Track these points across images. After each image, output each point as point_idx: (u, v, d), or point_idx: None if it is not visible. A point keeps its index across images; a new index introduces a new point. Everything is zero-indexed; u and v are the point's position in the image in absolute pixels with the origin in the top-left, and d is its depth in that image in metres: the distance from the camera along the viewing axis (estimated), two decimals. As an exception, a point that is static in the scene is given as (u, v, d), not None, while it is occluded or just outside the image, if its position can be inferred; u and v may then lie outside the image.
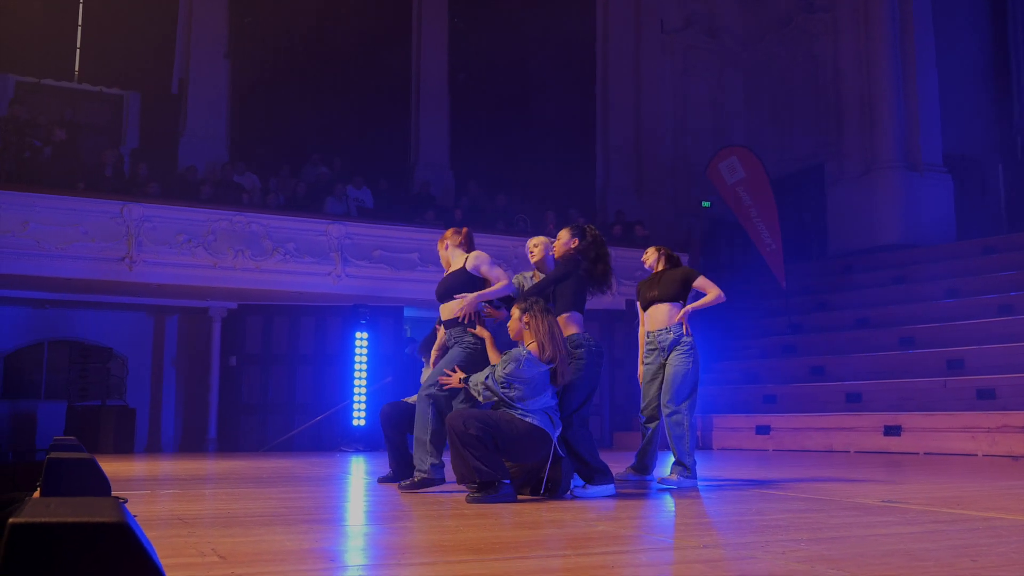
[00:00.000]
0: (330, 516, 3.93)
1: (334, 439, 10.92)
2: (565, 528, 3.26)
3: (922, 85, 14.42)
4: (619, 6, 16.38)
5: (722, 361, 12.15)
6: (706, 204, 16.30)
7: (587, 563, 2.48)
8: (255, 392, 11.42)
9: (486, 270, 4.78)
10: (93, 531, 1.38)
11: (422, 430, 4.60)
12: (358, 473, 6.92)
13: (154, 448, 11.73)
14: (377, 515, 3.87)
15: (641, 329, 5.33)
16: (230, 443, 11.23)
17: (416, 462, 4.64)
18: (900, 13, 14.52)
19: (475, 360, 4.57)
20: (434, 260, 11.66)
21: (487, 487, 3.98)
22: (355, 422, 10.89)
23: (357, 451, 10.41)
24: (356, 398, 10.92)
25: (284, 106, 13.67)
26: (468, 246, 5.04)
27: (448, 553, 2.65)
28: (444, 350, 4.79)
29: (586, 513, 3.66)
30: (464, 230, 5.15)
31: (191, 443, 11.64)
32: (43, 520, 1.38)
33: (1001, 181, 15.80)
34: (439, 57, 15.16)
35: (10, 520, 1.38)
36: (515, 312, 4.29)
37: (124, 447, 10.34)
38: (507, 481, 4.03)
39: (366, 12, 14.51)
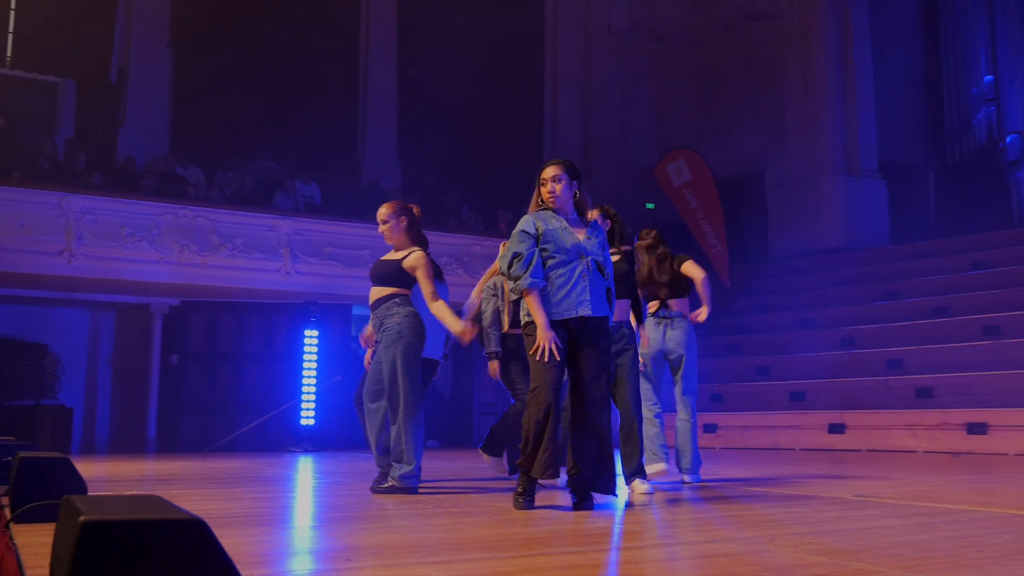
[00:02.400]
0: (281, 516, 3.85)
1: (281, 439, 10.72)
2: (561, 526, 3.26)
3: (860, 93, 14.83)
4: (568, 7, 16.47)
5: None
6: (650, 206, 16.51)
7: (605, 559, 2.48)
8: (198, 391, 11.15)
9: (420, 276, 4.55)
10: (172, 528, 1.33)
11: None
12: (307, 473, 6.81)
13: (88, 449, 11.35)
14: (337, 517, 3.81)
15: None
16: (171, 444, 10.94)
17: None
18: (840, 23, 14.91)
19: (412, 345, 4.44)
20: (384, 256, 11.62)
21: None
22: (304, 421, 10.71)
23: (306, 451, 10.25)
24: (305, 397, 10.74)
25: (228, 98, 13.36)
26: (415, 234, 4.76)
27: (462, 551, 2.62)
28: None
29: (568, 512, 3.66)
30: (416, 210, 4.83)
31: (129, 444, 11.29)
32: (119, 517, 1.32)
33: (932, 188, 16.37)
34: (388, 51, 15.03)
35: (81, 518, 1.32)
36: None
37: (61, 447, 9.96)
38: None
39: (314, 3, 14.30)
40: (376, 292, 4.63)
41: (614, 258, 4.59)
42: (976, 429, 8.28)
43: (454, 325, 4.38)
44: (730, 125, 16.21)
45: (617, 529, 3.19)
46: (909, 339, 10.61)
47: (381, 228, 4.71)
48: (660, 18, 17.12)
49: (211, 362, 11.21)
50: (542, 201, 3.96)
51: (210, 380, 11.16)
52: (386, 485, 4.51)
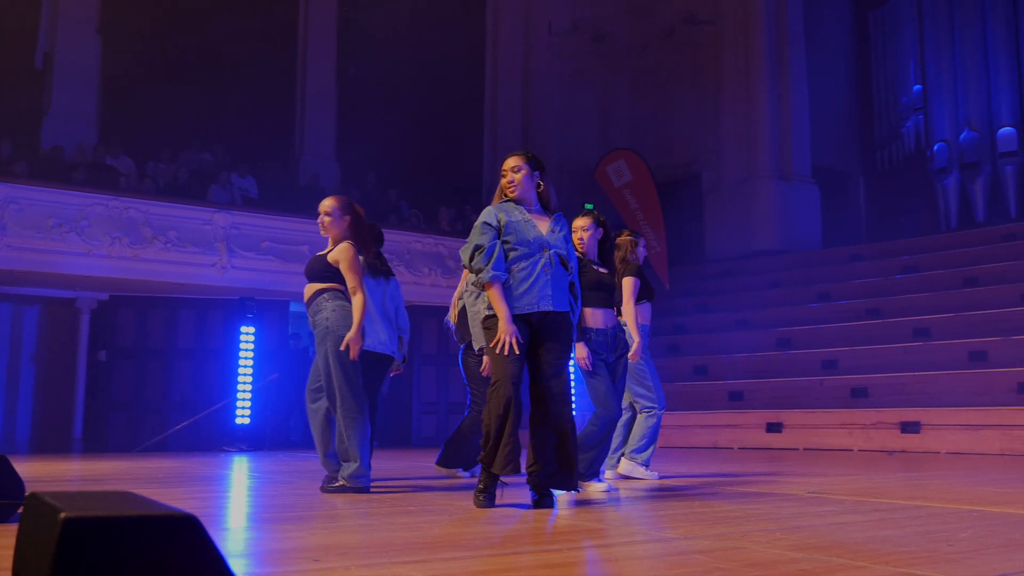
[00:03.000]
0: (232, 517, 3.72)
1: (215, 438, 10.43)
2: (528, 524, 3.20)
3: (794, 99, 15.13)
4: (509, 5, 16.43)
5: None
6: (589, 207, 16.53)
7: (584, 556, 2.43)
8: (127, 389, 10.78)
9: (343, 268, 4.43)
10: (162, 525, 1.22)
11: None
12: (247, 473, 6.62)
13: (8, 448, 10.85)
14: (278, 517, 3.69)
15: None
16: (98, 443, 10.55)
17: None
18: (776, 31, 15.20)
19: (342, 339, 4.30)
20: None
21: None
22: (239, 420, 10.43)
23: (241, 451, 9.99)
24: (240, 395, 10.46)
25: (161, 87, 12.96)
26: (355, 232, 4.59)
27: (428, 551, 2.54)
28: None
29: (530, 510, 3.61)
30: (360, 210, 4.68)
31: (53, 443, 10.84)
32: (104, 514, 1.21)
33: (862, 193, 16.82)
34: (327, 45, 14.78)
35: (62, 515, 1.20)
36: None
37: (-19, 447, 9.54)
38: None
39: (251, -6, 14.00)
40: (308, 288, 4.56)
41: (603, 270, 4.62)
42: (910, 428, 8.49)
43: (354, 327, 4.28)
44: (668, 128, 16.38)
45: (586, 526, 3.14)
46: (843, 340, 10.85)
47: (322, 218, 4.58)
48: (601, 19, 17.21)
49: (141, 359, 10.84)
50: (505, 193, 3.90)
51: (140, 378, 10.80)
52: (336, 485, 4.40)
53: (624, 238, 5.36)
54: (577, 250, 4.45)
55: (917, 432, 8.45)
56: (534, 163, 3.92)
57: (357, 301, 4.37)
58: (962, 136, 14.18)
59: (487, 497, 3.68)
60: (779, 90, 15.10)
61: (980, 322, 9.80)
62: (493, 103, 16.14)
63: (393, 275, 5.56)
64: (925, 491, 4.48)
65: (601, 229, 4.64)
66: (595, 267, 4.58)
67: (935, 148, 14.55)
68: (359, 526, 3.17)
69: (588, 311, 4.53)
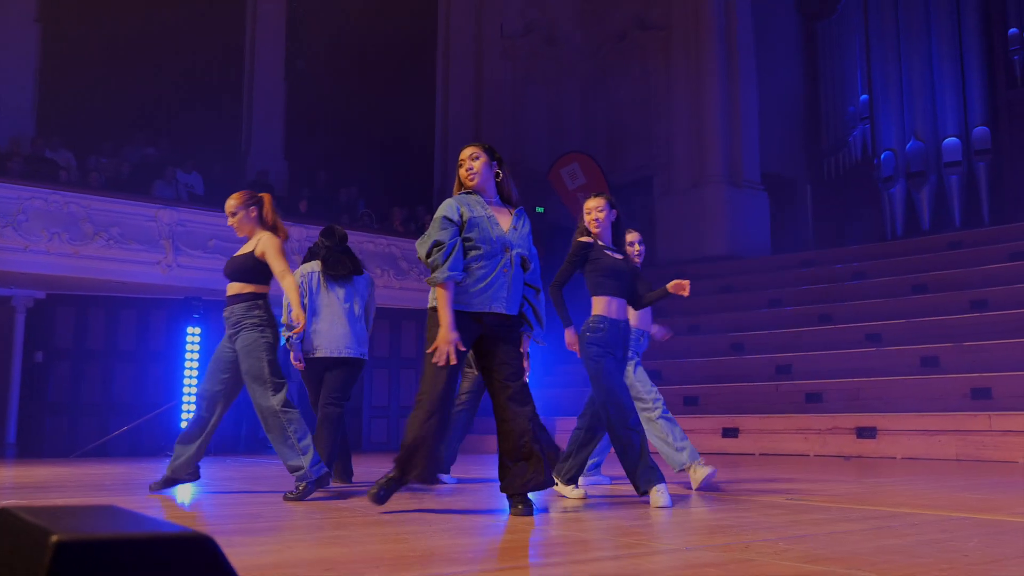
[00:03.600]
0: (202, 527, 3.49)
1: (159, 443, 10.04)
2: (519, 534, 3.04)
3: (744, 106, 15.24)
4: (461, 5, 16.26)
5: (563, 364, 12.25)
6: (540, 210, 16.50)
7: (598, 570, 2.28)
8: (64, 391, 10.31)
9: (269, 257, 4.36)
10: (177, 548, 1.04)
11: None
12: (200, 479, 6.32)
13: (-65, 454, 10.34)
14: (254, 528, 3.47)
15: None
16: (33, 448, 10.08)
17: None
18: (726, 37, 15.29)
19: (265, 340, 4.33)
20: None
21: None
22: (184, 424, 10.06)
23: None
24: (185, 398, 10.10)
25: (103, 79, 12.51)
26: (264, 221, 4.51)
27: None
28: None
29: (513, 519, 3.46)
30: (267, 199, 4.60)
31: (-16, 448, 10.35)
32: (105, 537, 1.02)
33: (809, 201, 17.03)
34: (276, 41, 14.44)
35: (54, 539, 1.01)
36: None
37: (-95, 452, 9.02)
38: None
39: (198, -14, 13.59)
40: (229, 289, 4.47)
41: (618, 256, 4.27)
42: (866, 433, 8.54)
43: (295, 308, 4.28)
44: (620, 132, 16.38)
45: (580, 537, 2.99)
46: (796, 345, 10.90)
47: (230, 222, 4.52)
48: (553, 22, 17.15)
49: (79, 360, 10.39)
50: (464, 184, 3.75)
51: (78, 380, 10.34)
52: (296, 492, 4.24)
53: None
54: (592, 232, 4.20)
55: (873, 437, 8.49)
56: (491, 153, 3.79)
57: (288, 284, 4.30)
58: (908, 145, 14.44)
59: (382, 493, 3.59)
60: (730, 96, 15.19)
61: (931, 328, 9.93)
62: (444, 102, 15.95)
63: (362, 273, 5.41)
64: (903, 497, 4.43)
65: (615, 211, 4.30)
66: (609, 252, 4.23)
67: (882, 157, 14.79)
68: (336, 538, 2.97)
69: (602, 300, 4.17)
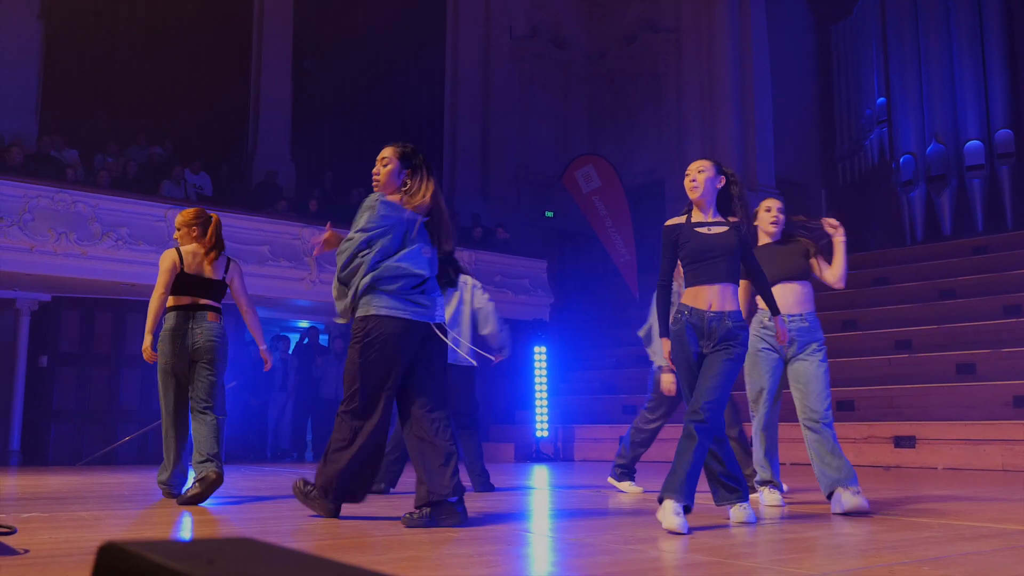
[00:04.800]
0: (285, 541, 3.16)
1: (167, 451, 9.69)
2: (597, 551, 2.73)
3: (759, 108, 15.00)
4: (469, 7, 16.00)
5: (579, 371, 11.97)
6: (549, 214, 16.23)
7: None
8: (70, 397, 9.97)
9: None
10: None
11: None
12: (223, 488, 6.00)
13: (-65, 462, 9.98)
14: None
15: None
16: (38, 456, 9.74)
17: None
18: (739, 42, 15.06)
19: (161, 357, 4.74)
20: (286, 254, 10.74)
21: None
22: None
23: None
24: (195, 405, 9.75)
25: (108, 78, 12.22)
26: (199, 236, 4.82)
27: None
28: None
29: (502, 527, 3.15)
30: (215, 218, 4.90)
31: (-13, 456, 10.01)
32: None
33: (824, 205, 16.78)
34: (283, 42, 14.15)
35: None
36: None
37: (-94, 460, 8.68)
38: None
39: (205, -15, 13.30)
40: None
41: (722, 229, 3.60)
42: (904, 443, 8.25)
43: (147, 332, 4.64)
44: (629, 135, 16.12)
45: (701, 560, 2.69)
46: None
47: (176, 235, 4.87)
48: (561, 25, 16.91)
49: (86, 365, 10.06)
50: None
51: (84, 385, 10.01)
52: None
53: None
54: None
55: (912, 447, 8.20)
56: (403, 154, 3.74)
57: (154, 299, 4.63)
58: (929, 149, 14.20)
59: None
60: (743, 99, 14.95)
61: (964, 334, 9.66)
62: (453, 104, 15.68)
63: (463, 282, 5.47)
64: (992, 512, 4.14)
65: (722, 177, 3.65)
66: (699, 229, 3.57)
67: (901, 160, 14.54)
68: (411, 556, 2.66)
69: (692, 290, 3.58)
